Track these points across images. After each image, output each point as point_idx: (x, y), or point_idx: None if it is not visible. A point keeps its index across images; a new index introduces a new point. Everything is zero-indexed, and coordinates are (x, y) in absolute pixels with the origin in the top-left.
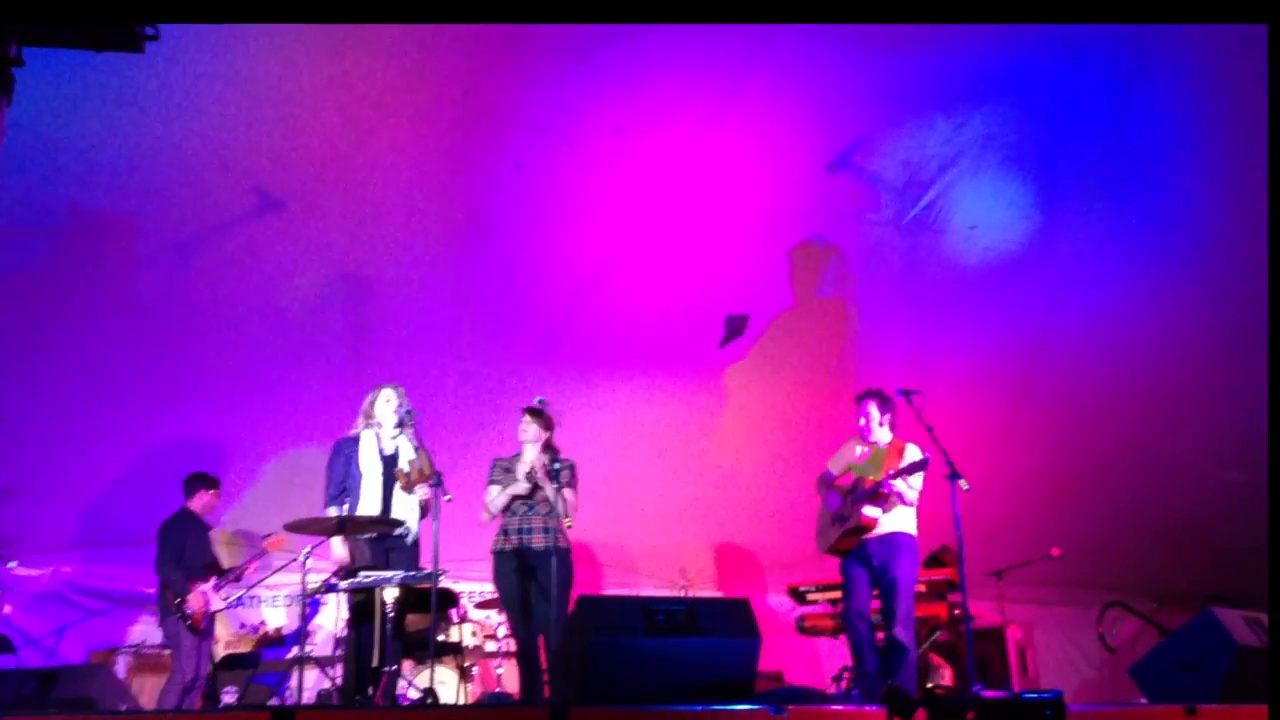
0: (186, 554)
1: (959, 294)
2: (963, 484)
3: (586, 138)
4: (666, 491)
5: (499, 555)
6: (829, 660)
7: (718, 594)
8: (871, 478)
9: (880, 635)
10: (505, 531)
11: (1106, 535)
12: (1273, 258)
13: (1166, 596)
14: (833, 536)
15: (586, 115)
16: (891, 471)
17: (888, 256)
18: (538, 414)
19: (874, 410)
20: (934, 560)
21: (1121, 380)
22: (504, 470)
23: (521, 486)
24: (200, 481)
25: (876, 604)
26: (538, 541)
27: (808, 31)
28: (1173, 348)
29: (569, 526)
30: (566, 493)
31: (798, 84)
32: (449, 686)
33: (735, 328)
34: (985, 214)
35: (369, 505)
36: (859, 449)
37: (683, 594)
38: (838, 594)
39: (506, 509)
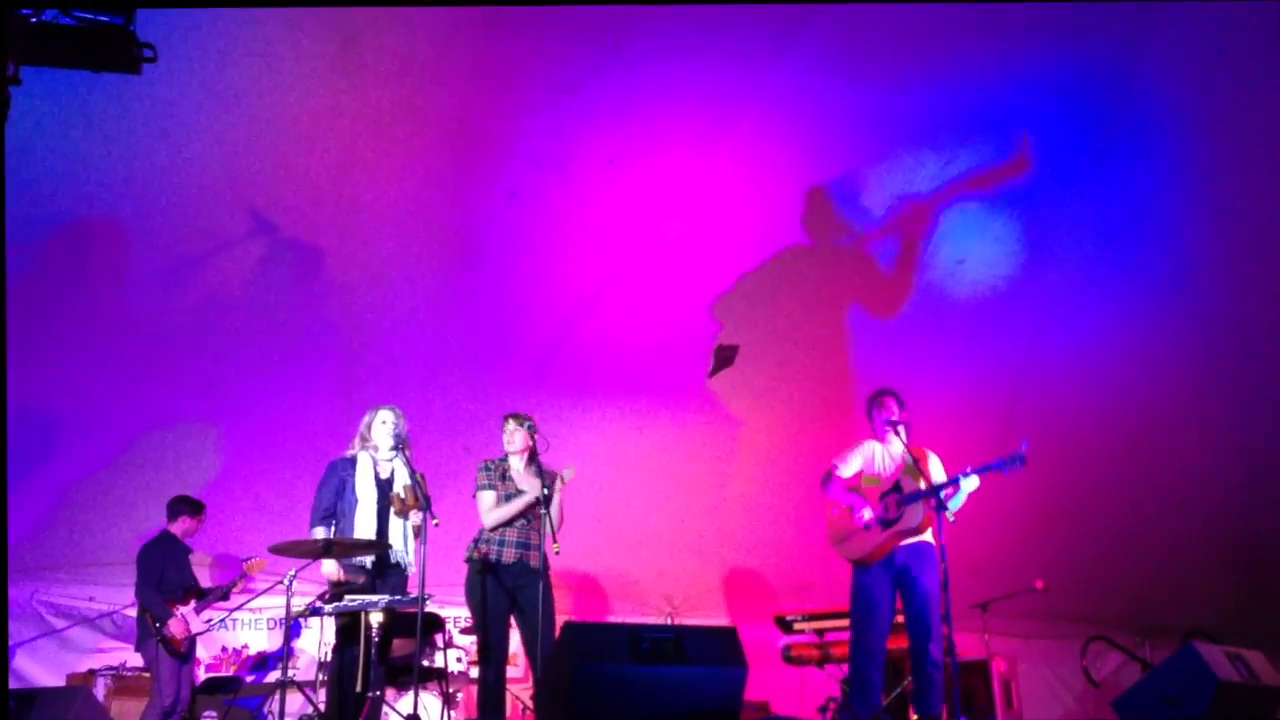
0: (166, 577)
1: (946, 326)
2: (949, 516)
3: (580, 167)
4: (654, 519)
5: (498, 566)
6: (815, 690)
7: (704, 622)
8: (912, 480)
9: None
10: (503, 542)
11: (1090, 568)
12: None
13: (1149, 631)
14: (873, 541)
15: (580, 145)
16: (970, 468)
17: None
18: (522, 420)
19: (897, 406)
20: None
21: (1106, 413)
22: (500, 476)
23: (530, 498)
24: (185, 505)
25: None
26: (534, 559)
27: (799, 64)
28: (1157, 381)
29: (557, 553)
30: (555, 512)
31: (789, 116)
32: (432, 713)
33: (724, 358)
34: (972, 248)
35: (364, 530)
36: (880, 451)
37: (669, 622)
38: (824, 623)
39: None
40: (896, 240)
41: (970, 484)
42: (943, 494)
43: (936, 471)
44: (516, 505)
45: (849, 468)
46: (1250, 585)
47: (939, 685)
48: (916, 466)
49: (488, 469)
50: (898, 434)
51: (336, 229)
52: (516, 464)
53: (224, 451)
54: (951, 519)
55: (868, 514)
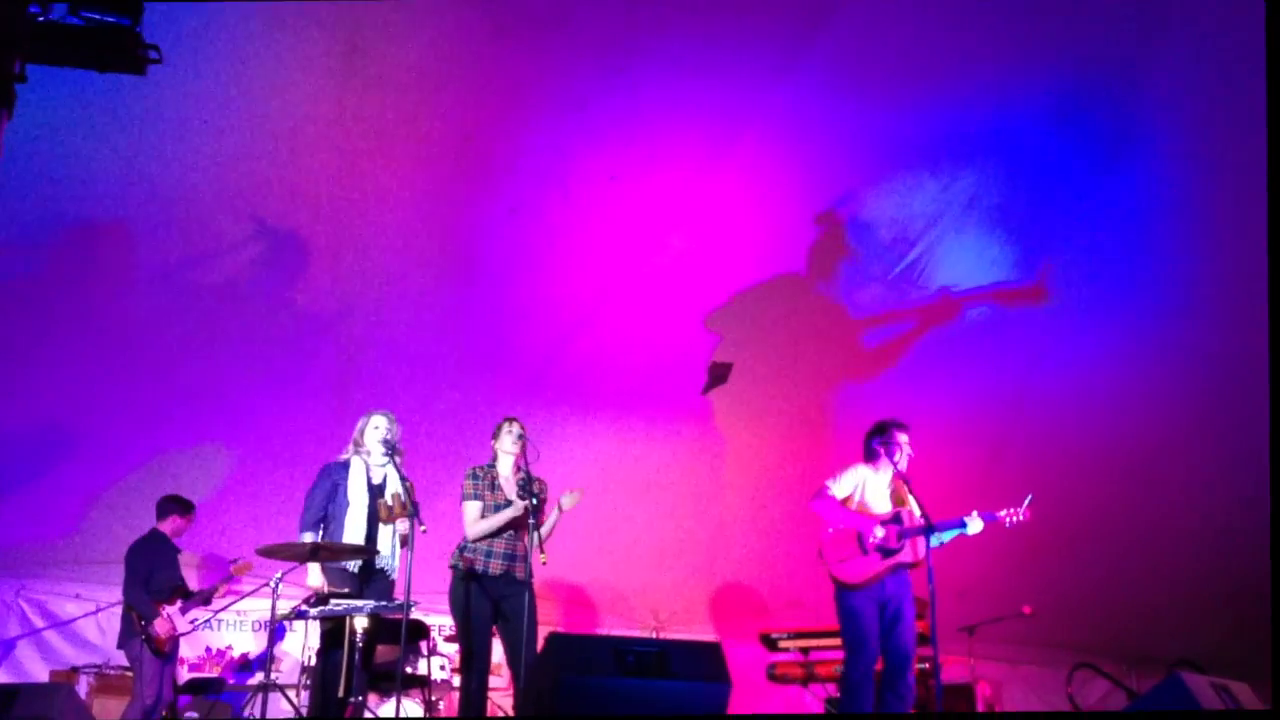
0: (154, 577)
1: (940, 350)
2: (933, 540)
3: (582, 184)
4: (643, 533)
5: (483, 577)
6: (798, 709)
7: (690, 637)
8: (910, 513)
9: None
10: (489, 553)
11: (1079, 595)
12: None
13: (1136, 659)
14: (871, 569)
15: (583, 162)
16: (977, 512)
17: (872, 311)
18: (514, 422)
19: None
20: None
21: (1099, 440)
22: (489, 485)
23: (514, 512)
24: (174, 505)
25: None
26: (520, 571)
27: (802, 85)
28: (1151, 410)
29: (544, 564)
30: (546, 527)
31: (790, 136)
32: None
33: (718, 375)
34: (969, 272)
35: (353, 535)
36: (871, 478)
37: (655, 635)
38: (810, 642)
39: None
40: (904, 326)
41: (975, 527)
42: (941, 535)
43: (913, 503)
44: (499, 520)
45: (841, 489)
46: (1238, 616)
47: (910, 706)
48: (902, 495)
49: (475, 477)
50: (890, 455)
51: (336, 238)
52: (506, 470)
53: (216, 453)
54: (937, 543)
55: (880, 532)
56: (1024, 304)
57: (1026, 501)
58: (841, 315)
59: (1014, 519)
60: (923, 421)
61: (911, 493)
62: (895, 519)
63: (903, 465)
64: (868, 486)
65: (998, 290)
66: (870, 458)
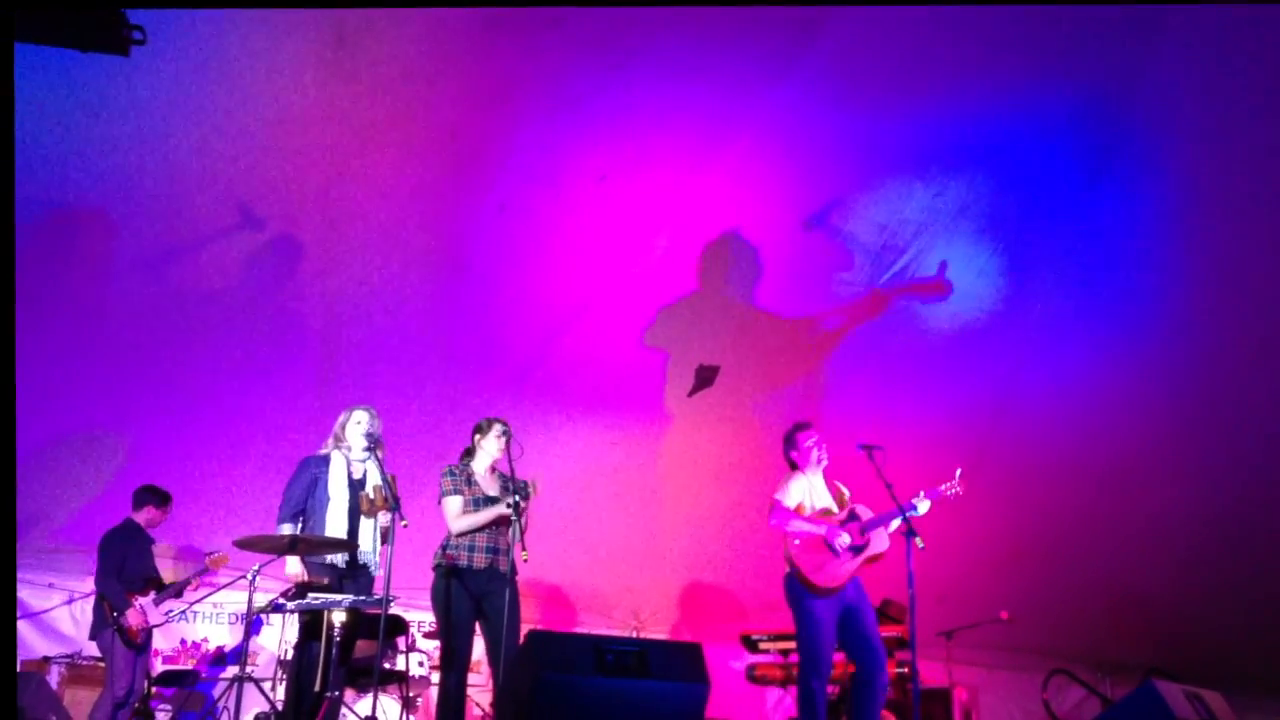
0: (127, 567)
1: (926, 357)
2: (918, 542)
3: (571, 182)
4: (625, 533)
5: (467, 572)
6: (777, 710)
7: (670, 638)
8: (863, 508)
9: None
10: (472, 548)
11: (1056, 602)
12: None
13: (1111, 667)
14: (848, 569)
15: (573, 160)
16: (923, 492)
17: (859, 316)
18: (494, 423)
19: (815, 439)
20: (880, 615)
21: (1079, 450)
22: (466, 481)
23: (502, 508)
24: (151, 495)
25: None
26: (503, 564)
27: (795, 90)
28: (1131, 421)
29: (525, 560)
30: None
31: (782, 141)
32: (391, 716)
33: (705, 378)
34: (956, 281)
35: (334, 529)
36: (816, 483)
37: (635, 635)
38: (790, 644)
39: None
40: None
41: (923, 508)
42: (894, 520)
43: (844, 494)
44: (488, 515)
45: (791, 500)
46: (1214, 625)
47: (882, 703)
48: (841, 492)
49: (452, 474)
50: (870, 458)
51: (321, 230)
52: (481, 468)
53: (193, 444)
54: (920, 545)
55: (847, 539)
56: (932, 297)
57: (957, 475)
58: (827, 322)
59: (952, 491)
60: (906, 427)
61: (842, 487)
62: (852, 516)
63: (823, 462)
64: (813, 491)
65: (911, 284)
66: (793, 466)
